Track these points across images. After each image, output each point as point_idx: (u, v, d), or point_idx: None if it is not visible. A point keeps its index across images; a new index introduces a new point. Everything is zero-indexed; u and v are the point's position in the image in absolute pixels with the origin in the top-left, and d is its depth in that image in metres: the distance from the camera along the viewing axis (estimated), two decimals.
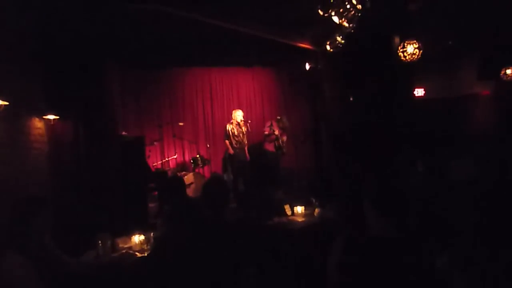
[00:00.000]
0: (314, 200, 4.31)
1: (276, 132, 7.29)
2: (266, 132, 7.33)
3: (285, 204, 4.22)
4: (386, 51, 6.08)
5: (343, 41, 5.35)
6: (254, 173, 7.12)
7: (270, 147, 7.40)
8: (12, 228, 2.08)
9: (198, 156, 7.50)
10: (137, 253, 2.93)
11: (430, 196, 3.31)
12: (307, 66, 7.19)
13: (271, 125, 7.35)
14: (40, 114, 4.66)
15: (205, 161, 7.58)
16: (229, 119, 7.51)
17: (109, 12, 4.96)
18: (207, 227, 2.22)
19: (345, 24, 4.42)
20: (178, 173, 7.21)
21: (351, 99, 6.82)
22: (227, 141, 7.09)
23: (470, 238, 2.21)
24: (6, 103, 3.64)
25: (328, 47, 5.70)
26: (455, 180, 4.14)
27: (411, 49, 5.40)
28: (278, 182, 6.85)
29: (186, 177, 6.59)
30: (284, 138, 7.48)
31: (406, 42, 5.46)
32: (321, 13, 4.30)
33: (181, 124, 7.81)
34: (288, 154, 7.87)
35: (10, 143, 3.92)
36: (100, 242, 2.91)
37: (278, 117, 7.69)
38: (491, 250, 1.98)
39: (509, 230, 2.19)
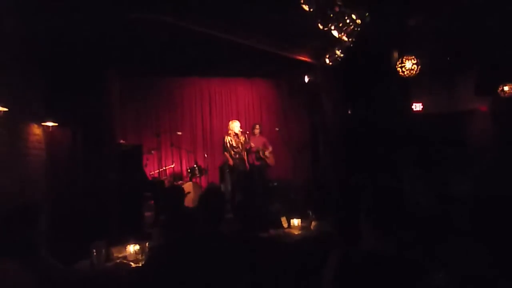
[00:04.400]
0: (310, 213, 4.28)
1: (253, 145, 7.16)
2: (247, 147, 7.17)
3: (282, 216, 4.20)
4: (384, 65, 6.13)
5: (342, 55, 5.41)
6: (239, 186, 7.00)
7: (252, 160, 7.29)
8: (8, 235, 2.07)
9: (195, 165, 7.47)
10: (131, 263, 2.90)
11: (426, 210, 3.31)
12: (306, 79, 7.22)
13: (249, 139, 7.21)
14: (39, 120, 4.66)
15: (202, 171, 7.55)
16: (227, 130, 7.49)
17: (109, 20, 5.00)
18: (202, 238, 2.21)
19: (344, 38, 4.48)
20: (175, 183, 7.18)
21: (349, 112, 6.85)
22: (226, 153, 7.00)
23: (467, 252, 2.21)
24: (5, 109, 3.64)
25: (327, 61, 5.76)
26: (452, 195, 4.14)
27: (409, 64, 5.46)
28: (266, 195, 6.77)
29: (183, 186, 6.57)
30: (269, 149, 7.37)
31: (405, 57, 5.52)
32: (321, 27, 4.35)
33: (179, 133, 7.82)
34: (285, 166, 7.84)
35: (7, 149, 3.92)
36: (94, 251, 2.88)
37: (255, 124, 7.64)
38: (489, 265, 1.98)
39: (506, 245, 2.19)
